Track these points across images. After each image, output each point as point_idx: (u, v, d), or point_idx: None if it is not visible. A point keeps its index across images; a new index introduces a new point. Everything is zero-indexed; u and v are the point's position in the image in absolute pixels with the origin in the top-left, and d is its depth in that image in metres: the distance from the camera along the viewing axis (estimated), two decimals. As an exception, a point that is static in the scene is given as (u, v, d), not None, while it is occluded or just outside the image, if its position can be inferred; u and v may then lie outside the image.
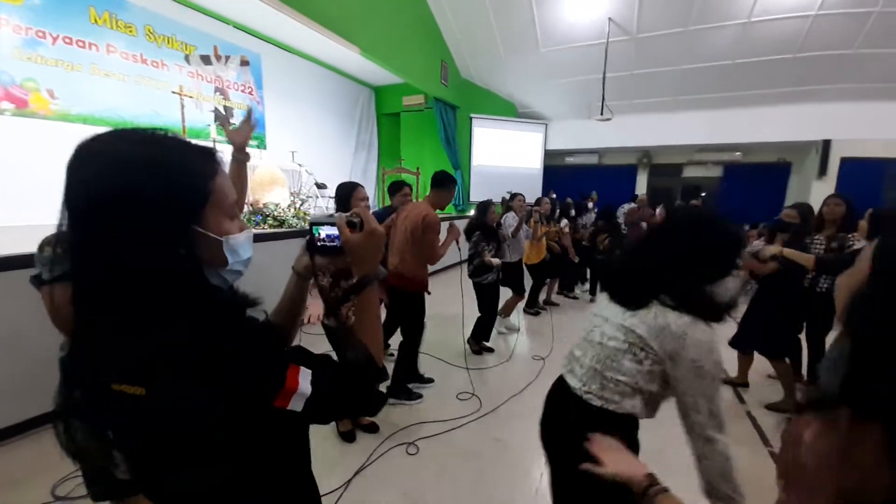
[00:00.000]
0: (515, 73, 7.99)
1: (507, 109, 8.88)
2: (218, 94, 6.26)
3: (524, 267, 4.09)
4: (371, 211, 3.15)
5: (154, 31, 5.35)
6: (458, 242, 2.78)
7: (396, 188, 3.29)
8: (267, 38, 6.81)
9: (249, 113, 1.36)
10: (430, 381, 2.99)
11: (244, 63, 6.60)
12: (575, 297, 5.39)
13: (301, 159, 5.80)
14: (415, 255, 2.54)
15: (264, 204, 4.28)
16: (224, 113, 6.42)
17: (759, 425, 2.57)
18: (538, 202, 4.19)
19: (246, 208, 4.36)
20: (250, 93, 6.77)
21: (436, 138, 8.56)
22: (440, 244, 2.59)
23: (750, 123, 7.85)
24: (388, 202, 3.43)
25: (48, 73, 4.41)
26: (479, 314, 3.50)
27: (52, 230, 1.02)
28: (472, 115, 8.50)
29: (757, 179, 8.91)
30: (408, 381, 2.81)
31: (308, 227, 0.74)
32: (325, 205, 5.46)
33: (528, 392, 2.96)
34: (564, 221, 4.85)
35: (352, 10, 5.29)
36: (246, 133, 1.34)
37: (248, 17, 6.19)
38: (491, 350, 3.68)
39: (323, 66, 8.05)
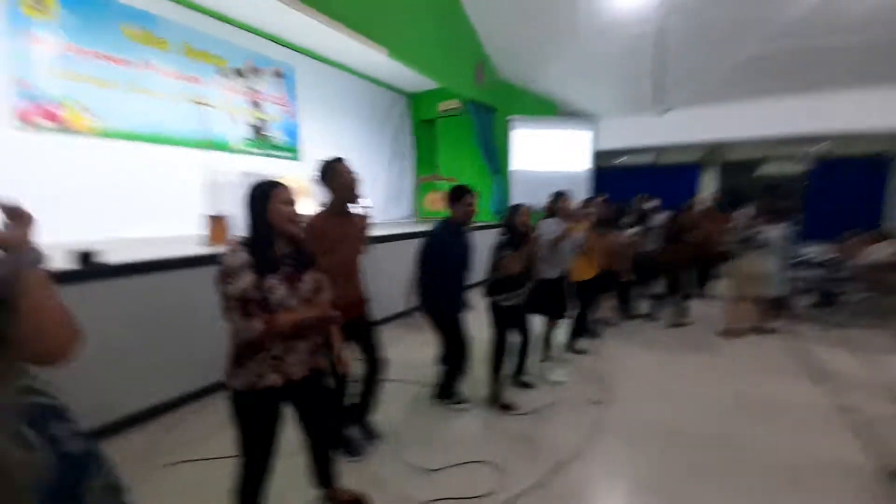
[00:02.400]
0: (558, 67, 7.36)
1: (550, 108, 8.26)
2: (252, 106, 6.24)
3: (564, 285, 3.14)
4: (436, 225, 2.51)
5: (190, 46, 5.38)
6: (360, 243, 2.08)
7: (457, 196, 2.47)
8: (299, 49, 6.76)
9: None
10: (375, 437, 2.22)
11: (278, 75, 6.57)
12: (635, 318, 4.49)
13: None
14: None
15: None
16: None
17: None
18: (588, 203, 3.39)
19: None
20: (284, 104, 6.71)
21: (473, 143, 8.11)
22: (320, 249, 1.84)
23: (843, 109, 6.63)
24: (424, 212, 2.76)
25: (84, 90, 4.48)
26: (492, 348, 2.63)
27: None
28: (508, 117, 7.96)
29: (852, 175, 7.52)
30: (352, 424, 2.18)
31: None
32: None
33: (581, 460, 2.09)
34: (634, 230, 4.12)
35: (379, 12, 5.03)
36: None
37: (280, 28, 6.14)
38: (531, 386, 2.87)
39: (356, 76, 7.92)
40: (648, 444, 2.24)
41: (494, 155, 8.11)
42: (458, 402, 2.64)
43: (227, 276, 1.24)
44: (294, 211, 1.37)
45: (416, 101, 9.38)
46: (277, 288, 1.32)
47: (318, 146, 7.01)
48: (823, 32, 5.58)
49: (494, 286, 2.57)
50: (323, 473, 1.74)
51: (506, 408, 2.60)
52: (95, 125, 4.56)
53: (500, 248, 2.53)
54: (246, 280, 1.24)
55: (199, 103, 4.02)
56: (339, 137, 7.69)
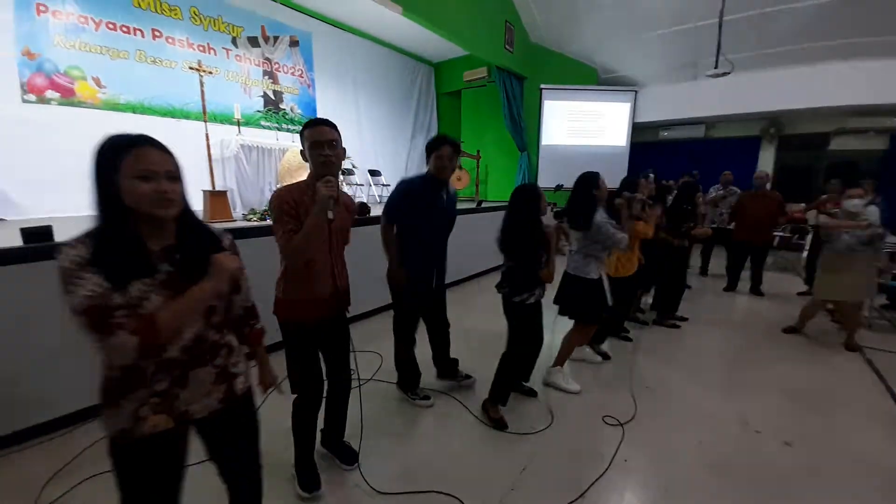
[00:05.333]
0: (598, 29, 6.59)
1: (586, 76, 7.47)
2: (266, 77, 6.00)
3: (605, 282, 2.58)
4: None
5: (199, 13, 5.15)
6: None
7: (435, 145, 2.14)
8: (316, 15, 6.40)
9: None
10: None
11: (293, 43, 6.27)
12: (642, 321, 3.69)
13: (346, 144, 5.21)
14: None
15: (289, 191, 3.75)
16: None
17: None
18: (627, 185, 2.69)
19: (270, 195, 3.91)
20: (300, 75, 6.44)
21: (499, 116, 7.53)
22: (289, 227, 1.41)
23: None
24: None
25: (93, 61, 4.37)
26: (507, 349, 2.20)
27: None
28: (542, 85, 7.28)
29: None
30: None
31: None
32: (352, 193, 4.83)
33: (593, 494, 1.66)
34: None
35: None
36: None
37: (294, -9, 5.80)
38: (533, 394, 2.42)
39: (378, 43, 7.49)
40: (681, 481, 1.75)
41: (522, 129, 7.52)
42: (424, 398, 2.34)
43: (65, 283, 0.80)
44: (163, 186, 0.85)
45: (440, 71, 8.84)
46: (149, 299, 0.86)
47: (336, 120, 6.70)
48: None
49: (516, 282, 2.08)
50: None
51: (498, 424, 2.13)
52: (107, 97, 4.47)
53: (534, 249, 2.01)
54: (89, 283, 0.80)
55: (201, 70, 3.77)
56: (358, 110, 7.36)
